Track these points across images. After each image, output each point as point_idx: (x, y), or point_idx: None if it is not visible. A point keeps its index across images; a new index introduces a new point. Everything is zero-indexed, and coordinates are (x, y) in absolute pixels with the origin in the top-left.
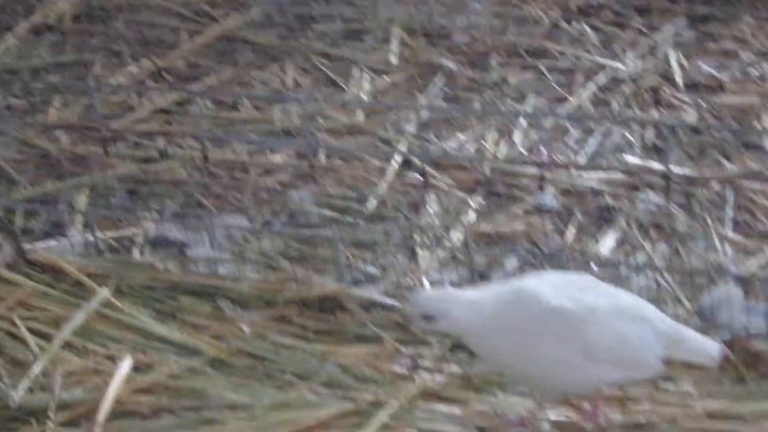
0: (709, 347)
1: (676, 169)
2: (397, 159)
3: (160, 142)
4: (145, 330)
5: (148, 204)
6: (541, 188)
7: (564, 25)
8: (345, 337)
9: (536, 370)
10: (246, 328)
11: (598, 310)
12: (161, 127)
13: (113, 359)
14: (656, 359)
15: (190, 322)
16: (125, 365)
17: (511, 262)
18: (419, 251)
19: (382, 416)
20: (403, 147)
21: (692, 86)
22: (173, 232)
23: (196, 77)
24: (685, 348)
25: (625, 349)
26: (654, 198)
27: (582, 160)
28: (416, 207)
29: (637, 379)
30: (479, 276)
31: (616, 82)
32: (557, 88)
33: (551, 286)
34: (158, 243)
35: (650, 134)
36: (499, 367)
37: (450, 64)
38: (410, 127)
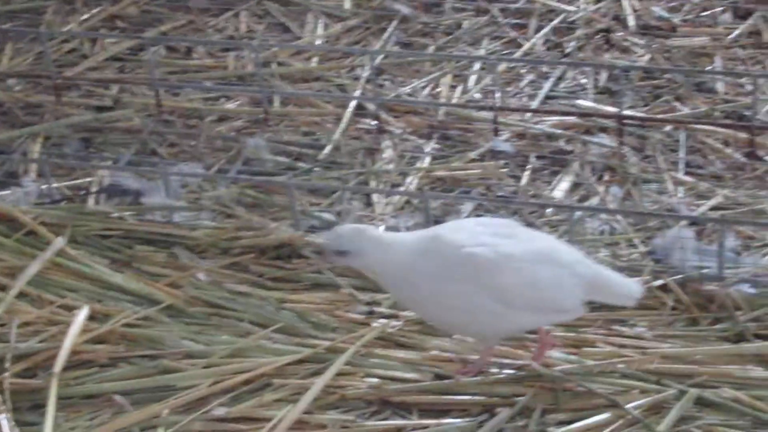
0: (629, 289)
1: (629, 112)
2: (352, 105)
3: (114, 90)
4: (101, 279)
5: (103, 152)
6: (495, 133)
7: None
8: (301, 284)
9: (454, 316)
10: (202, 276)
11: (514, 255)
12: (115, 74)
13: (69, 309)
14: (575, 303)
15: (146, 271)
16: (82, 315)
17: (466, 207)
18: (375, 197)
19: (339, 363)
20: (357, 93)
21: (644, 28)
22: (128, 180)
23: (149, 24)
24: (605, 290)
25: (542, 294)
26: (607, 141)
27: (536, 104)
28: (371, 152)
29: (558, 323)
30: (435, 221)
31: (569, 25)
32: (511, 32)
33: (467, 233)
34: (113, 191)
35: (603, 77)
36: (420, 312)
37: (404, 9)
38: (366, 72)
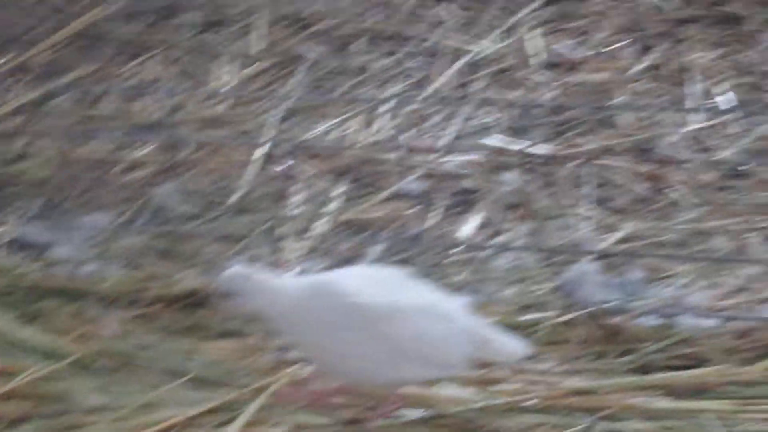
0: (513, 347)
1: (536, 149)
2: (262, 149)
3: (22, 141)
4: (8, 335)
5: (10, 205)
6: (405, 173)
7: (425, 8)
8: (211, 333)
9: (342, 364)
10: (111, 328)
11: (402, 307)
12: (22, 125)
13: None
14: (462, 358)
15: (54, 325)
16: None
17: (376, 249)
18: (285, 241)
19: (249, 411)
20: (267, 137)
21: (550, 65)
22: (36, 232)
23: (58, 73)
24: (491, 347)
25: (429, 348)
26: (516, 178)
27: (445, 143)
28: (281, 197)
29: (444, 377)
30: (345, 264)
31: (477, 63)
32: (419, 72)
33: (358, 282)
34: (20, 244)
35: (511, 114)
36: (311, 358)
37: (313, 52)
38: (275, 117)
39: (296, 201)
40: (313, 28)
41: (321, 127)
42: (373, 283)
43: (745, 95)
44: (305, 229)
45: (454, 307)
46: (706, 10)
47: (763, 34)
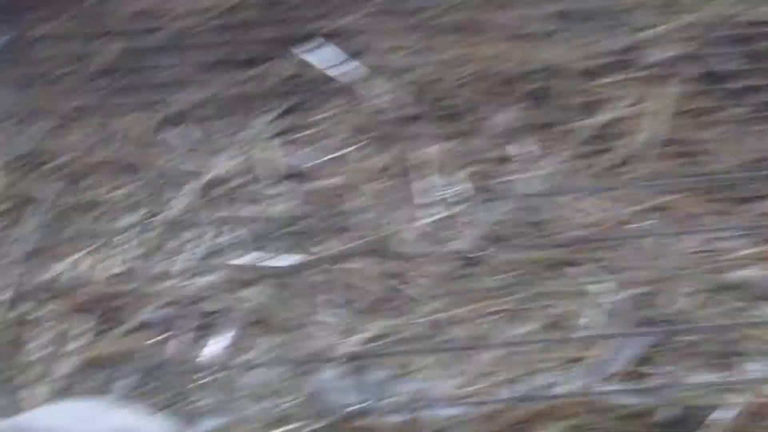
0: None
1: (276, 261)
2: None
3: None
4: None
5: None
6: (145, 303)
7: (156, 134)
8: None
9: None
10: None
11: None
12: None
13: None
14: None
15: None
16: None
17: (120, 384)
18: (25, 389)
19: None
20: (2, 284)
21: (285, 176)
22: None
23: None
24: None
25: None
26: (257, 293)
27: (184, 267)
28: (20, 343)
29: None
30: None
31: (211, 183)
32: (154, 200)
33: (50, 419)
34: None
35: (249, 230)
36: None
37: (46, 191)
38: (9, 262)
39: (36, 345)
40: (46, 167)
41: (58, 267)
42: (67, 417)
43: (477, 184)
44: (46, 373)
45: (154, 428)
46: (432, 106)
47: (486, 122)
